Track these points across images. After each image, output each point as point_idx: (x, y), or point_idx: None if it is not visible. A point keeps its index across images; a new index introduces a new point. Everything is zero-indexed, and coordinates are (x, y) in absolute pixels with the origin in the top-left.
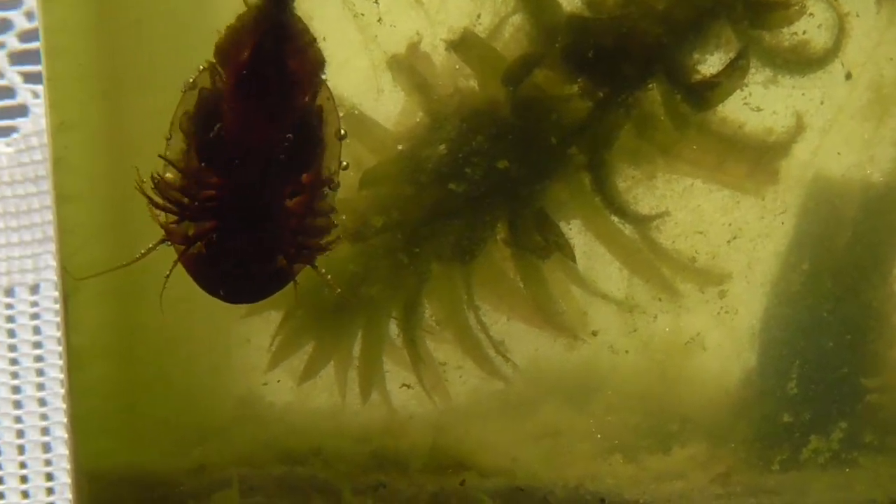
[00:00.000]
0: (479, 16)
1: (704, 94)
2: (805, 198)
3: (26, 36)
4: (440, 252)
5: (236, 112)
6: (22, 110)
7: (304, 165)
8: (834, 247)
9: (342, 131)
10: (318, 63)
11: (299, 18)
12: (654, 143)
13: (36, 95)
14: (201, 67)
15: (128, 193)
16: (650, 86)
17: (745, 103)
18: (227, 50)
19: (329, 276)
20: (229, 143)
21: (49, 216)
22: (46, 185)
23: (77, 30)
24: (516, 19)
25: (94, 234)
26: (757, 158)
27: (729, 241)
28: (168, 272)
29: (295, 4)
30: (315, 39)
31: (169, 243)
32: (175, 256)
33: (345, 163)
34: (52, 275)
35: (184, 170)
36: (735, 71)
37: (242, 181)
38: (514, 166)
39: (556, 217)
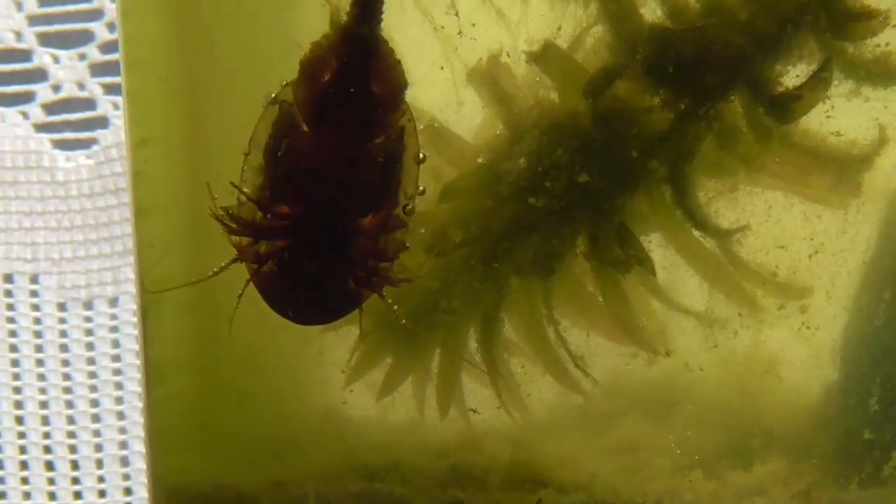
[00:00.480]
0: (559, 27)
1: (787, 106)
2: (888, 210)
3: (107, 47)
4: (519, 266)
5: (316, 131)
6: (102, 122)
7: (381, 189)
8: None
9: (421, 154)
10: (402, 85)
11: (384, 39)
12: (735, 155)
13: (116, 107)
14: (284, 83)
15: (206, 206)
16: (732, 98)
17: (828, 116)
18: (310, 67)
19: (395, 307)
20: (307, 163)
21: (128, 229)
22: (126, 198)
23: (157, 42)
24: (597, 30)
25: (173, 247)
26: (840, 171)
27: (811, 256)
28: (241, 291)
29: (381, 25)
30: (399, 62)
31: (242, 261)
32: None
33: (422, 188)
34: (132, 287)
35: (259, 188)
36: (818, 83)
37: (317, 202)
38: (595, 179)
39: (636, 230)
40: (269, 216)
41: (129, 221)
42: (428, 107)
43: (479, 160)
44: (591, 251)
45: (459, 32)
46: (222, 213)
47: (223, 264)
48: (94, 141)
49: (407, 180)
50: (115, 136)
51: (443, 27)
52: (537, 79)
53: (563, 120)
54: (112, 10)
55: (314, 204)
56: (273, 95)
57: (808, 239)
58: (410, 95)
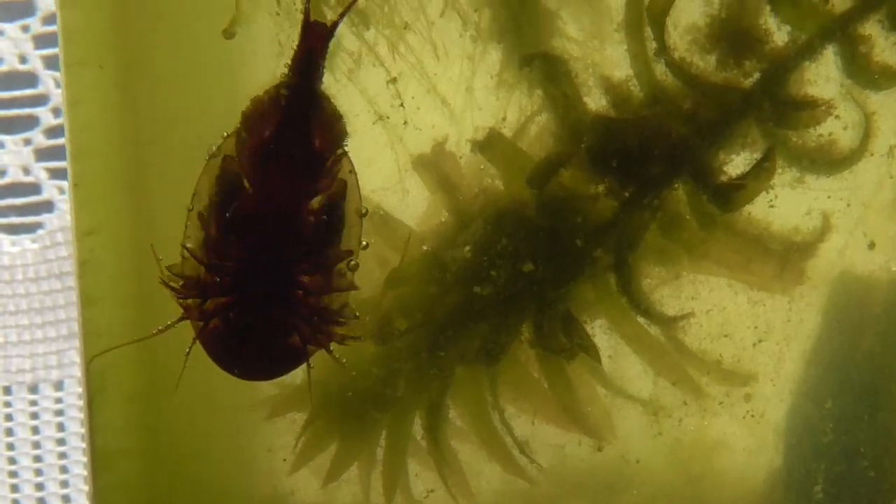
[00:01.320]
0: (504, 117)
1: (731, 195)
2: (832, 297)
3: (53, 132)
4: (464, 354)
5: (258, 185)
6: (48, 206)
7: (324, 242)
8: (859, 346)
9: (364, 209)
10: (342, 137)
11: (325, 95)
12: (680, 242)
13: (62, 191)
14: (225, 135)
15: (153, 292)
16: (676, 186)
17: (772, 205)
18: (252, 121)
19: (344, 361)
20: (249, 217)
21: (74, 312)
22: (71, 281)
23: (103, 131)
24: (542, 119)
25: (120, 336)
26: (783, 259)
27: (755, 344)
28: (188, 349)
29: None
30: (340, 116)
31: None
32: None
33: (365, 242)
34: (77, 371)
35: (202, 243)
36: (761, 172)
37: (260, 255)
38: (540, 268)
39: (581, 317)
40: (212, 272)
41: (74, 305)
42: (374, 193)
43: (424, 248)
44: (537, 339)
45: (405, 122)
46: (168, 274)
47: (169, 322)
48: (39, 225)
49: (350, 234)
50: (60, 220)
51: (388, 117)
52: (482, 167)
53: (508, 208)
54: (57, 96)
55: (257, 257)
56: (214, 148)
57: (753, 327)
58: (356, 181)
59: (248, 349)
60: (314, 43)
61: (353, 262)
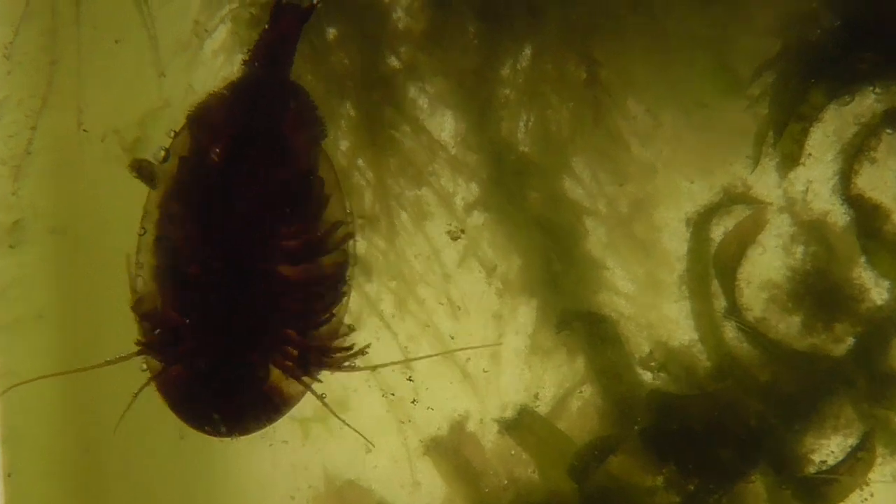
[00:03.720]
0: (538, 392)
1: (820, 490)
2: None
3: None
4: None
5: (219, 192)
6: None
7: (303, 254)
8: None
9: (348, 208)
10: (319, 131)
11: (295, 83)
12: None
13: None
14: (172, 133)
15: None
16: (752, 478)
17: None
18: (209, 118)
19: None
20: (211, 227)
21: None
22: None
23: None
24: (585, 393)
25: None
26: None
27: None
28: (137, 391)
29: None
30: (315, 106)
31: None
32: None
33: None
34: None
35: (158, 267)
36: (857, 463)
37: (225, 268)
38: None
39: None
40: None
41: None
42: (378, 486)
43: None
44: None
45: (415, 400)
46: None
47: (121, 356)
48: None
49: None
50: None
51: (393, 393)
52: (512, 452)
53: (543, 503)
54: None
55: (221, 272)
56: (164, 150)
57: None
58: (356, 472)
59: (222, 395)
60: (287, 28)
61: (340, 283)
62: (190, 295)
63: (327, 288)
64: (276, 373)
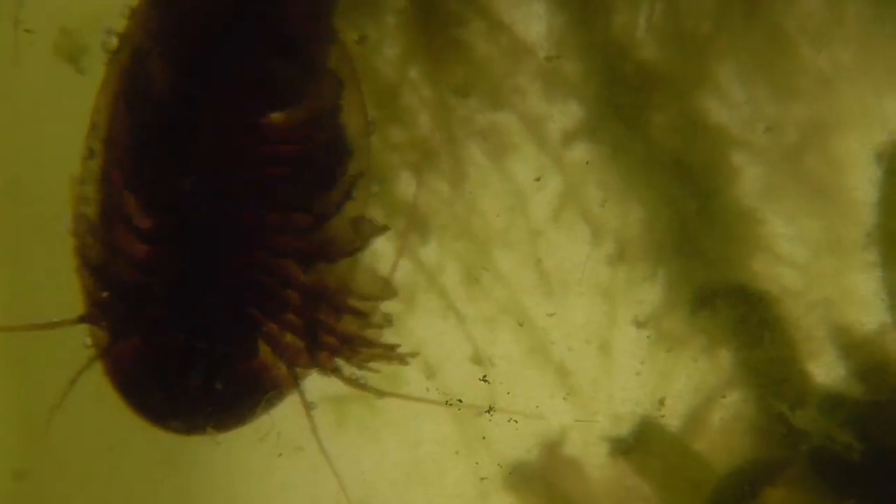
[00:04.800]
0: (663, 399)
1: None
2: None
3: None
4: None
5: (187, 104)
6: None
7: (314, 186)
8: None
9: (371, 122)
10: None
11: None
12: None
13: None
14: (127, 10)
15: None
16: None
17: None
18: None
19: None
20: (178, 158)
21: None
22: None
23: None
24: (732, 400)
25: None
26: None
27: None
28: (76, 374)
29: None
30: None
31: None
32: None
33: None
34: None
35: (108, 205)
36: None
37: (198, 221)
38: None
39: None
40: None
41: None
42: None
43: None
44: None
45: (490, 409)
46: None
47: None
48: None
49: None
50: None
51: (460, 400)
52: (628, 483)
53: None
54: None
55: (192, 224)
56: (113, 38)
57: None
58: None
59: (194, 380)
60: None
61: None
62: (153, 234)
63: (321, 168)
64: (265, 350)
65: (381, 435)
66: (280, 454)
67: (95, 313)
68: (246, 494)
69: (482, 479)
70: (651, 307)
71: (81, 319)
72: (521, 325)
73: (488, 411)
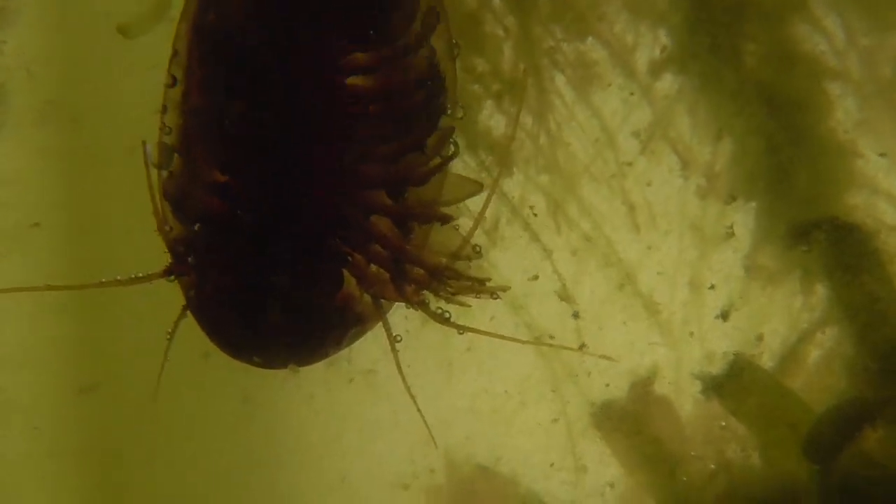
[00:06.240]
0: (760, 335)
1: None
2: None
3: None
4: None
5: (279, 28)
6: None
7: (407, 125)
8: None
9: (456, 45)
10: None
11: None
12: None
13: None
14: None
15: None
16: None
17: None
18: None
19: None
20: (264, 86)
21: None
22: None
23: None
24: (830, 335)
25: None
26: None
27: None
28: (171, 330)
29: None
30: None
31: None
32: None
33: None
34: None
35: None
36: None
37: (293, 157)
38: None
39: None
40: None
41: None
42: (522, 473)
43: None
44: None
45: (583, 345)
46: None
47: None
48: None
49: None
50: None
51: (552, 336)
52: (721, 423)
53: (768, 496)
54: None
55: (286, 163)
56: None
57: None
58: None
59: (273, 314)
60: None
61: (448, 149)
62: (235, 164)
63: (414, 112)
64: (350, 282)
65: (463, 370)
66: (351, 379)
67: (179, 253)
68: (317, 422)
69: (567, 417)
70: (744, 241)
71: (166, 272)
72: (608, 258)
73: (580, 348)
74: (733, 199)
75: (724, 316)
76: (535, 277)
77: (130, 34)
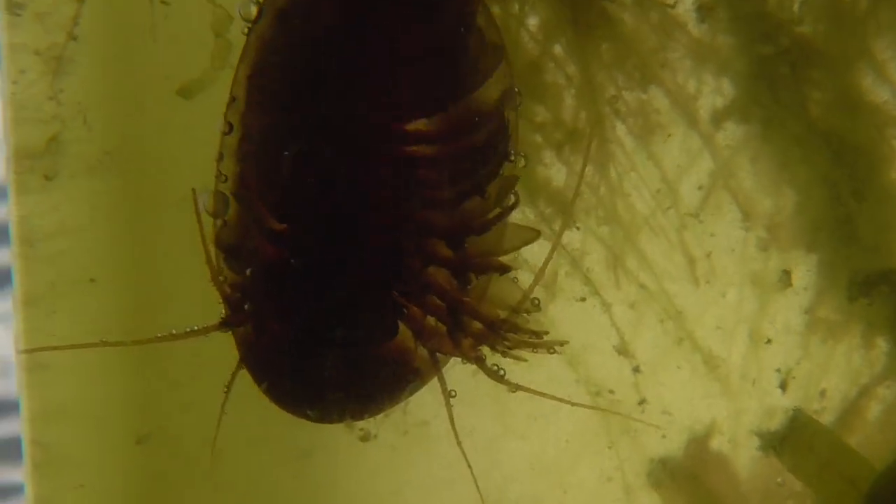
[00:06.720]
0: (823, 390)
1: None
2: None
3: None
4: None
5: (329, 57)
6: None
7: (472, 167)
8: None
9: (517, 93)
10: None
11: None
12: None
13: None
14: None
15: None
16: None
17: None
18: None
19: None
20: (323, 133)
21: None
22: None
23: None
24: (892, 391)
25: None
26: None
27: None
28: (227, 385)
29: None
30: None
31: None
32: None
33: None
34: None
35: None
36: None
37: (348, 200)
38: None
39: None
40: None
41: None
42: None
43: None
44: None
45: (642, 401)
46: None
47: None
48: None
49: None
50: None
51: (612, 391)
52: (779, 480)
53: None
54: None
55: (344, 202)
56: (254, 6)
57: None
58: None
59: (332, 368)
60: None
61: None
62: (295, 202)
63: (478, 160)
64: (406, 334)
65: (518, 426)
66: (406, 432)
67: (235, 302)
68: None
69: (624, 473)
70: (806, 294)
71: (222, 324)
72: (667, 311)
73: (641, 402)
74: (795, 250)
75: (784, 370)
76: (593, 331)
77: (190, 96)
